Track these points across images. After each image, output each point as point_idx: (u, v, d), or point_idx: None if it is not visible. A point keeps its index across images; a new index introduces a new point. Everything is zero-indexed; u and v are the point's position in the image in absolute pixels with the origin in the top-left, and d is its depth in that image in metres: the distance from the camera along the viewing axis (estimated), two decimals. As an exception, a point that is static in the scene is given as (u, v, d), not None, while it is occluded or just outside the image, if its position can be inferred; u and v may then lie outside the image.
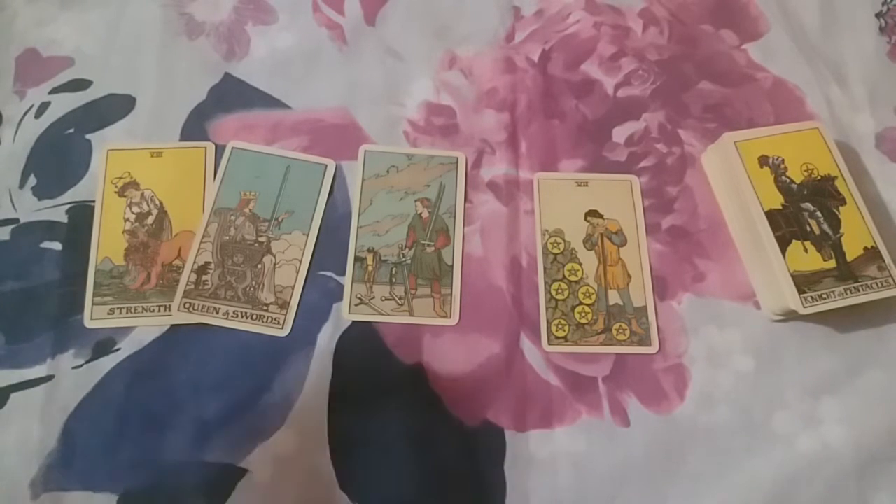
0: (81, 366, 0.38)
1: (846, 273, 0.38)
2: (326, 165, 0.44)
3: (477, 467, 0.37)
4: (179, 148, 0.44)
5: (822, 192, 0.41)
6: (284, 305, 0.40)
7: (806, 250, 0.39)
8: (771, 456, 0.37)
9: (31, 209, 0.42)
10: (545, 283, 0.41)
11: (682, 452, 0.37)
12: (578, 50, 0.49)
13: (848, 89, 0.48)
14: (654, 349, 0.40)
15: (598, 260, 0.42)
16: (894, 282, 0.38)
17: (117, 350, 0.39)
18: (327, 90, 0.47)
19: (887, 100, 0.48)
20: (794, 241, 0.39)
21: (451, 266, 0.41)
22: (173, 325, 0.39)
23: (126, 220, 0.42)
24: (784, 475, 0.37)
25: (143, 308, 0.39)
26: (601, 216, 0.43)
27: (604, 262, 0.42)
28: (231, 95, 0.46)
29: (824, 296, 0.37)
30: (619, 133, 0.46)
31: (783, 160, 0.41)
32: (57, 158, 0.44)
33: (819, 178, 0.41)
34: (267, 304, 0.40)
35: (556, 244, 0.42)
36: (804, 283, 0.38)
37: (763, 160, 0.41)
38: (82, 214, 0.42)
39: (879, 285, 0.38)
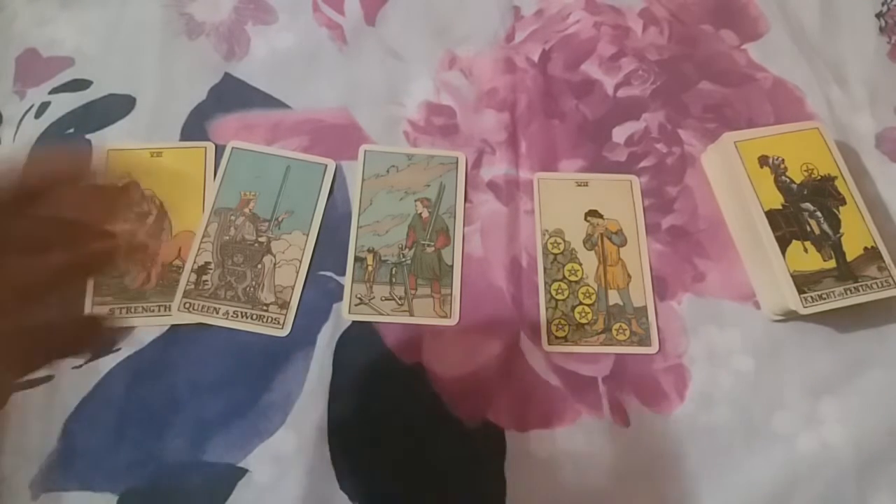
0: (81, 366, 0.38)
1: (846, 273, 0.38)
2: (326, 165, 0.44)
3: (477, 467, 0.37)
4: (179, 148, 0.44)
5: (822, 192, 0.41)
6: (284, 305, 0.40)
7: (806, 250, 0.39)
8: (771, 456, 0.37)
9: (31, 209, 0.42)
10: (545, 283, 0.41)
11: (682, 452, 0.37)
12: (578, 50, 0.49)
13: (848, 89, 0.48)
14: (654, 349, 0.40)
15: (598, 260, 0.42)
16: (894, 282, 0.38)
17: (117, 350, 0.39)
18: (327, 90, 0.47)
19: (887, 100, 0.48)
20: (794, 241, 0.39)
21: (451, 266, 0.41)
22: (173, 325, 0.39)
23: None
24: (784, 475, 0.37)
25: (143, 308, 0.39)
26: (601, 216, 0.43)
27: (604, 262, 0.42)
28: (231, 95, 0.46)
29: (824, 296, 0.37)
30: (619, 133, 0.46)
31: (783, 160, 0.41)
32: (57, 158, 0.44)
33: (819, 178, 0.41)
34: (267, 304, 0.40)
35: (556, 244, 0.42)
36: (804, 283, 0.38)
37: (763, 160, 0.41)
38: (82, 214, 0.42)
39: (879, 285, 0.38)
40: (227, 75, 0.47)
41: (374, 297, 0.40)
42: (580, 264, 0.42)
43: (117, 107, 0.45)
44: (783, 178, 0.41)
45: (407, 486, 0.36)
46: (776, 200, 0.40)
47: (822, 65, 0.49)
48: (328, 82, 0.47)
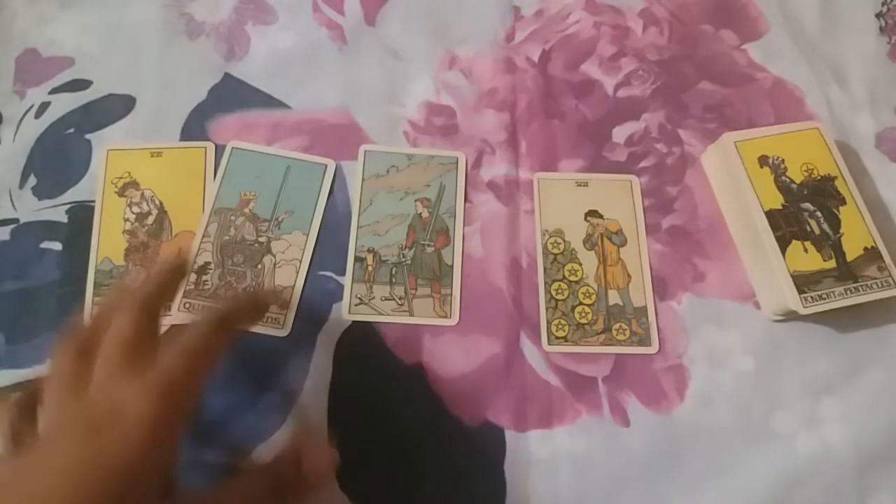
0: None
1: (846, 273, 0.38)
2: (326, 165, 0.44)
3: (477, 467, 0.37)
4: (179, 148, 0.44)
5: (822, 192, 0.41)
6: (284, 305, 0.40)
7: (806, 250, 0.39)
8: (771, 456, 0.37)
9: (31, 209, 0.42)
10: (545, 283, 0.41)
11: (682, 452, 0.37)
12: (578, 50, 0.49)
13: (848, 89, 0.48)
14: (654, 349, 0.40)
15: (598, 260, 0.42)
16: (894, 282, 0.38)
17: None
18: (327, 90, 0.47)
19: (887, 100, 0.48)
20: (794, 241, 0.39)
21: (451, 266, 0.41)
22: (173, 325, 0.39)
23: (126, 220, 0.42)
24: (784, 475, 0.37)
25: (143, 308, 0.39)
26: (601, 216, 0.43)
27: (604, 262, 0.42)
28: (231, 95, 0.46)
29: (824, 296, 0.37)
30: (619, 133, 0.46)
31: (783, 160, 0.41)
32: (57, 158, 0.44)
33: (819, 178, 0.41)
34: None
35: (556, 244, 0.42)
36: (804, 283, 0.38)
37: (763, 160, 0.41)
38: (82, 214, 0.42)
39: (879, 285, 0.38)
40: (227, 75, 0.47)
41: (374, 297, 0.40)
42: (580, 264, 0.42)
43: (117, 107, 0.45)
44: (783, 178, 0.41)
45: (407, 486, 0.36)
46: (776, 200, 0.40)
47: (822, 65, 0.49)
48: (328, 82, 0.47)
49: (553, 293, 0.41)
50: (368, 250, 0.42)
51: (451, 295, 0.41)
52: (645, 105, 0.47)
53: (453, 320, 0.40)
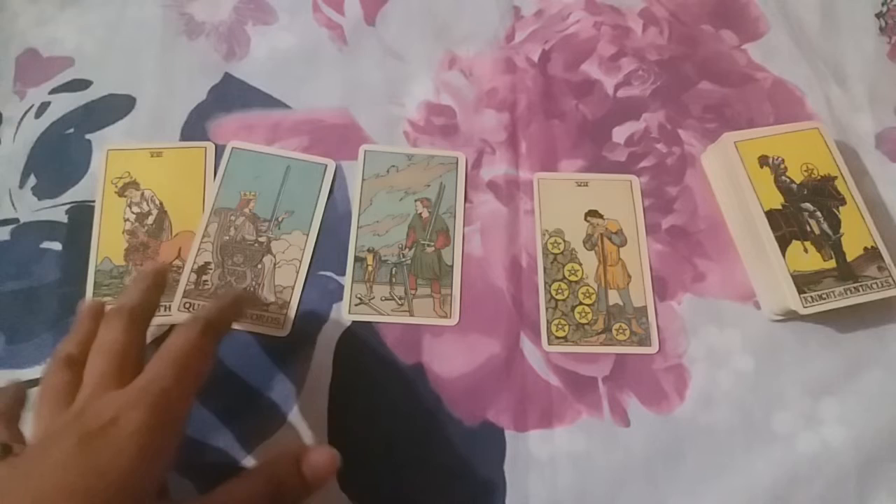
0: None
1: (846, 273, 0.38)
2: (326, 165, 0.44)
3: (477, 467, 0.37)
4: (179, 148, 0.44)
5: (822, 192, 0.41)
6: (284, 305, 0.40)
7: (806, 250, 0.39)
8: (771, 456, 0.37)
9: (31, 209, 0.42)
10: (545, 283, 0.41)
11: (682, 452, 0.37)
12: (578, 50, 0.49)
13: (848, 89, 0.48)
14: (654, 349, 0.40)
15: (598, 260, 0.42)
16: (894, 282, 0.38)
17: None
18: (327, 90, 0.47)
19: (887, 100, 0.48)
20: (794, 241, 0.39)
21: (451, 266, 0.41)
22: (173, 325, 0.39)
23: (126, 220, 0.42)
24: (784, 475, 0.37)
25: (143, 308, 0.39)
26: (601, 216, 0.43)
27: (604, 262, 0.42)
28: (231, 95, 0.46)
29: (824, 296, 0.37)
30: (619, 133, 0.46)
31: (783, 160, 0.41)
32: (57, 158, 0.44)
33: (819, 178, 0.41)
34: (267, 304, 0.40)
35: (556, 244, 0.42)
36: (804, 283, 0.38)
37: (763, 160, 0.41)
38: (82, 214, 0.42)
39: (879, 285, 0.38)
40: (227, 75, 0.47)
41: (374, 297, 0.40)
42: (580, 264, 0.42)
43: (117, 107, 0.45)
44: (783, 178, 0.41)
45: (407, 486, 0.36)
46: (776, 200, 0.40)
47: (822, 65, 0.49)
48: (328, 82, 0.47)
49: (553, 293, 0.41)
50: (368, 250, 0.42)
51: (451, 295, 0.41)
52: (645, 105, 0.47)
53: (453, 320, 0.40)
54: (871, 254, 0.39)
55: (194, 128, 0.45)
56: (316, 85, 0.47)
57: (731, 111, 0.47)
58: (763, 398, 0.39)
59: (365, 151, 0.44)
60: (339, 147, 0.45)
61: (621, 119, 0.46)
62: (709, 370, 0.39)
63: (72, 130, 0.45)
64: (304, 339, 0.39)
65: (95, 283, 0.40)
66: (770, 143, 0.42)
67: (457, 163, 0.44)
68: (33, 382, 0.38)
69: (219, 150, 0.44)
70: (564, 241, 0.42)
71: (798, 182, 0.41)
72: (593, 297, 0.41)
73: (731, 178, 0.42)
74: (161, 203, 0.42)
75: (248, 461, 0.36)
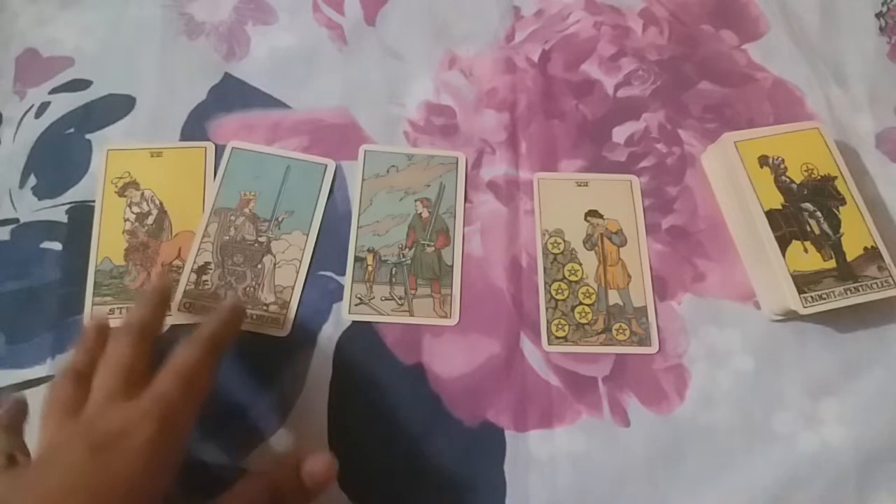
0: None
1: (846, 273, 0.38)
2: (326, 165, 0.44)
3: (477, 467, 0.37)
4: (179, 148, 0.44)
5: (822, 192, 0.41)
6: (284, 305, 0.40)
7: (806, 250, 0.39)
8: (771, 456, 0.37)
9: (31, 209, 0.42)
10: (545, 283, 0.41)
11: (682, 452, 0.37)
12: (578, 50, 0.49)
13: (848, 89, 0.48)
14: (654, 349, 0.40)
15: (598, 260, 0.42)
16: (894, 282, 0.38)
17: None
18: (327, 90, 0.47)
19: (887, 100, 0.48)
20: (794, 241, 0.39)
21: (451, 266, 0.41)
22: (173, 325, 0.39)
23: (126, 220, 0.42)
24: (784, 475, 0.37)
25: (143, 308, 0.39)
26: (601, 216, 0.43)
27: (604, 262, 0.42)
28: (231, 95, 0.46)
29: (824, 296, 0.37)
30: (619, 133, 0.46)
31: (783, 160, 0.41)
32: (57, 158, 0.44)
33: (819, 178, 0.41)
34: (267, 304, 0.40)
35: (556, 244, 0.42)
36: (804, 283, 0.38)
37: (763, 160, 0.41)
38: (82, 214, 0.42)
39: (879, 285, 0.38)
40: (227, 75, 0.47)
41: (374, 297, 0.40)
42: (580, 264, 0.42)
43: (117, 107, 0.45)
44: (783, 178, 0.41)
45: (407, 486, 0.36)
46: (776, 200, 0.40)
47: (822, 65, 0.49)
48: (328, 82, 0.47)
49: (553, 293, 0.41)
50: (368, 250, 0.42)
51: (451, 295, 0.41)
52: (645, 105, 0.47)
53: (453, 320, 0.40)
54: (871, 254, 0.39)
55: (194, 128, 0.45)
56: (316, 85, 0.47)
57: (731, 111, 0.47)
58: (763, 398, 0.39)
59: (365, 151, 0.44)
60: (339, 147, 0.45)
61: (621, 119, 0.46)
62: (709, 370, 0.39)
63: (72, 130, 0.45)
64: (304, 339, 0.39)
65: (95, 283, 0.40)
66: (770, 143, 0.42)
67: (457, 163, 0.44)
68: (33, 382, 0.38)
69: (219, 150, 0.44)
70: (564, 241, 0.42)
71: (798, 182, 0.41)
72: (593, 297, 0.41)
73: (731, 178, 0.42)
74: (161, 203, 0.42)
75: (248, 461, 0.36)
